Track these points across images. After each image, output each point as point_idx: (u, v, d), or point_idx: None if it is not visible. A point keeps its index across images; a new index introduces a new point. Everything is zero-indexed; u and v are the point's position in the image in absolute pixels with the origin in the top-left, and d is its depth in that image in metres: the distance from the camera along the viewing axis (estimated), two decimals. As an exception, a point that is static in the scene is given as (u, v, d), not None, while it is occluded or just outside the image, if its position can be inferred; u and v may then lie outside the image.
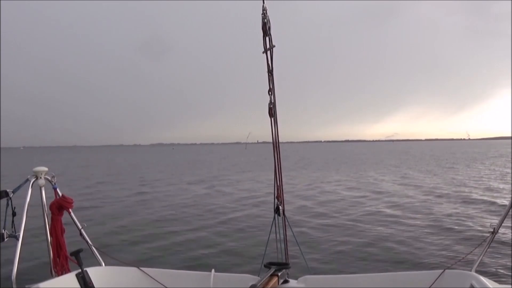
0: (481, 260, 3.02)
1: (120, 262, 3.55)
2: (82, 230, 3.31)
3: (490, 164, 35.67)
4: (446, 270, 2.97)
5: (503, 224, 2.98)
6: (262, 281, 2.90)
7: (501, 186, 18.69)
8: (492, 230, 2.97)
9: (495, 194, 15.54)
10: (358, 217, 11.33)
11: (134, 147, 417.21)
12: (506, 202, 13.14)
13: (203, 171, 32.85)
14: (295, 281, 3.15)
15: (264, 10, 2.99)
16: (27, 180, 3.03)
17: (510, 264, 6.63)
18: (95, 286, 3.08)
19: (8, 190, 2.94)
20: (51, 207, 3.17)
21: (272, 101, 3.18)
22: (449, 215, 11.39)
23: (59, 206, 3.19)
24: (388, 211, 12.33)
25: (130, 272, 3.34)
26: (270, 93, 3.18)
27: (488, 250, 3.01)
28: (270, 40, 3.09)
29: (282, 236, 3.38)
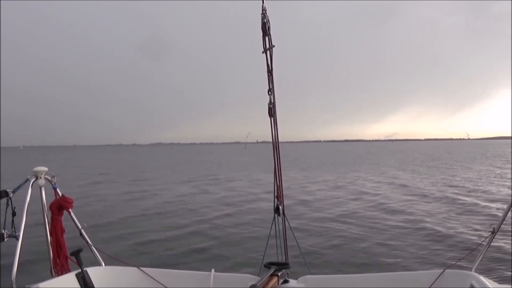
0: (481, 260, 3.01)
1: (120, 262, 3.54)
2: (82, 230, 3.31)
3: (489, 165, 35.66)
4: (446, 270, 2.97)
5: (503, 224, 2.97)
6: (262, 281, 2.89)
7: (496, 188, 18.33)
8: (492, 230, 2.96)
9: (488, 196, 15.28)
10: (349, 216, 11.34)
11: (134, 146, 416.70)
12: (503, 204, 13.06)
13: (203, 171, 32.83)
14: (295, 281, 3.14)
15: (263, 10, 2.98)
16: (27, 180, 3.02)
17: (510, 264, 6.63)
18: (95, 286, 3.07)
19: (8, 190, 2.93)
20: (51, 207, 3.17)
21: (272, 101, 3.18)
22: (445, 216, 11.40)
23: (59, 206, 3.18)
24: (370, 213, 12.22)
25: (130, 272, 3.34)
26: (269, 93, 3.18)
27: (488, 250, 3.01)
28: (270, 40, 3.08)
29: (282, 236, 3.37)
